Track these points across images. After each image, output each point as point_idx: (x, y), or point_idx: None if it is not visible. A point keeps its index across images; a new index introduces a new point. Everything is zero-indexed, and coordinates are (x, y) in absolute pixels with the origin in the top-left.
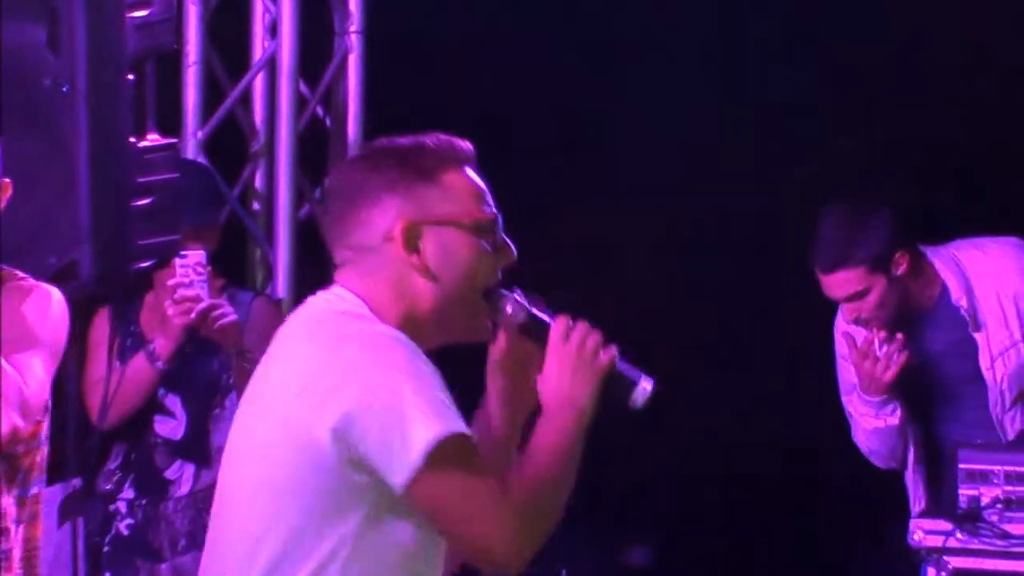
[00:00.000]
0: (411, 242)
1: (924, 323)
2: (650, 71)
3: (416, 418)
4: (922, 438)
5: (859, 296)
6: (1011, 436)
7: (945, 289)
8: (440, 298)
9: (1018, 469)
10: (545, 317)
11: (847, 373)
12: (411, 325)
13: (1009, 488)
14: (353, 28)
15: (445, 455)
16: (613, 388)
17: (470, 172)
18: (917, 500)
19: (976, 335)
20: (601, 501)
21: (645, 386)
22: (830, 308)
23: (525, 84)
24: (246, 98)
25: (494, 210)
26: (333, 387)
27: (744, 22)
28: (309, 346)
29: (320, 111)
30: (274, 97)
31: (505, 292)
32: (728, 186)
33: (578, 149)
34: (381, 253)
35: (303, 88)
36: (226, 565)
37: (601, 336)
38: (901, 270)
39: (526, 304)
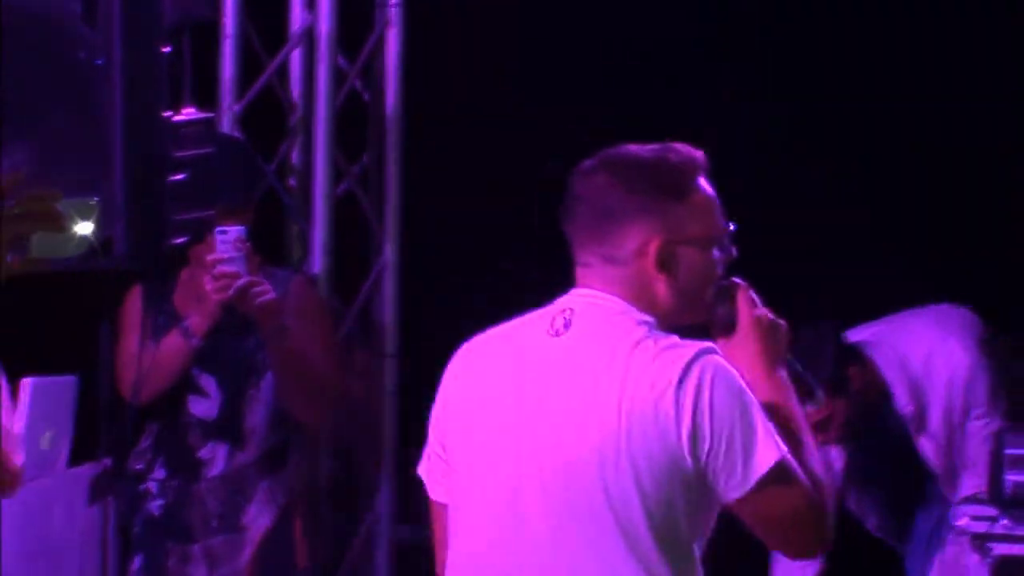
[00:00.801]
0: (663, 261)
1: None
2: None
3: (759, 442)
4: None
5: (823, 427)
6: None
7: (890, 395)
8: (678, 302)
9: None
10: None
11: None
12: (671, 329)
13: None
14: (393, 1)
15: (774, 478)
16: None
17: (706, 184)
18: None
19: (921, 437)
20: None
21: (820, 395)
22: None
23: (563, 61)
24: (283, 72)
25: (724, 220)
26: (691, 403)
27: None
28: (646, 359)
29: (358, 85)
30: (312, 71)
31: (728, 283)
32: None
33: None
34: (631, 265)
35: (341, 62)
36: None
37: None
38: (857, 385)
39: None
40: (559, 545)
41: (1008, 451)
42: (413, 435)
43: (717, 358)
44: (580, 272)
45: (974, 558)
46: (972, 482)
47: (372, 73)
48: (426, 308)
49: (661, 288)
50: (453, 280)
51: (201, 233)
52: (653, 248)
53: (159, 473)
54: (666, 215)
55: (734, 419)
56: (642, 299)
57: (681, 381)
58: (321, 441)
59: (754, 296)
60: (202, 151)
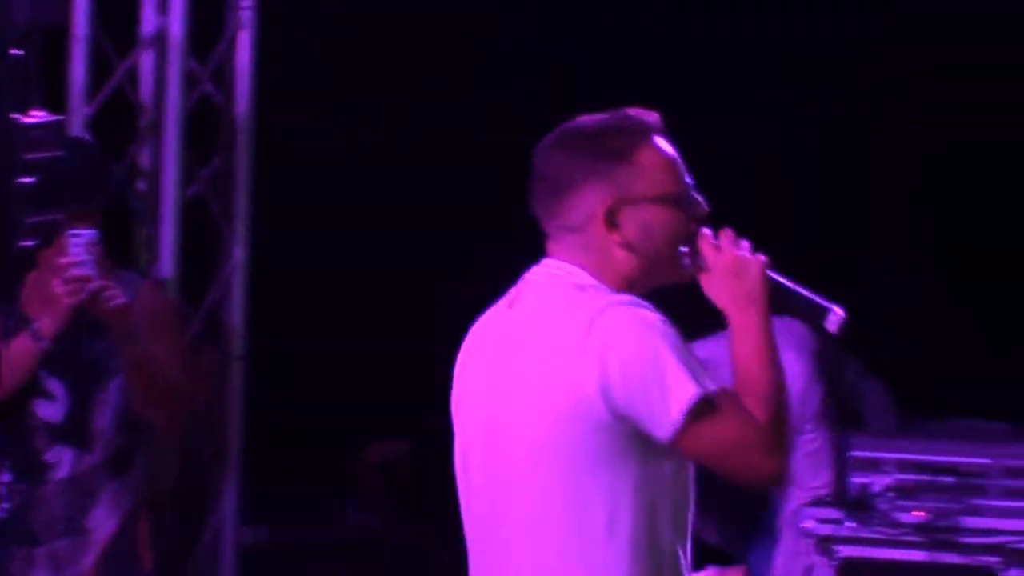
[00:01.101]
0: (611, 222)
1: None
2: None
3: (675, 381)
4: None
5: None
6: None
7: None
8: (641, 264)
9: (910, 456)
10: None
11: None
12: (624, 286)
13: (901, 476)
14: (246, 4)
15: (701, 412)
16: (799, 311)
17: (659, 143)
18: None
19: None
20: None
21: (837, 312)
22: None
23: (415, 63)
24: (134, 75)
25: (684, 178)
26: (598, 353)
27: None
28: (565, 319)
29: (210, 88)
30: (163, 74)
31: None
32: None
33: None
34: (587, 231)
35: (193, 65)
36: (518, 539)
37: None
38: None
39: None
40: (508, 520)
41: (853, 453)
42: (261, 437)
43: (626, 308)
44: (547, 245)
45: (820, 560)
46: (799, 495)
47: (224, 76)
48: (275, 311)
49: (617, 250)
50: (302, 284)
51: (50, 236)
52: (601, 211)
53: (5, 477)
54: (613, 178)
55: (644, 363)
56: (601, 264)
57: (588, 335)
58: (168, 444)
59: (721, 239)
60: (52, 154)
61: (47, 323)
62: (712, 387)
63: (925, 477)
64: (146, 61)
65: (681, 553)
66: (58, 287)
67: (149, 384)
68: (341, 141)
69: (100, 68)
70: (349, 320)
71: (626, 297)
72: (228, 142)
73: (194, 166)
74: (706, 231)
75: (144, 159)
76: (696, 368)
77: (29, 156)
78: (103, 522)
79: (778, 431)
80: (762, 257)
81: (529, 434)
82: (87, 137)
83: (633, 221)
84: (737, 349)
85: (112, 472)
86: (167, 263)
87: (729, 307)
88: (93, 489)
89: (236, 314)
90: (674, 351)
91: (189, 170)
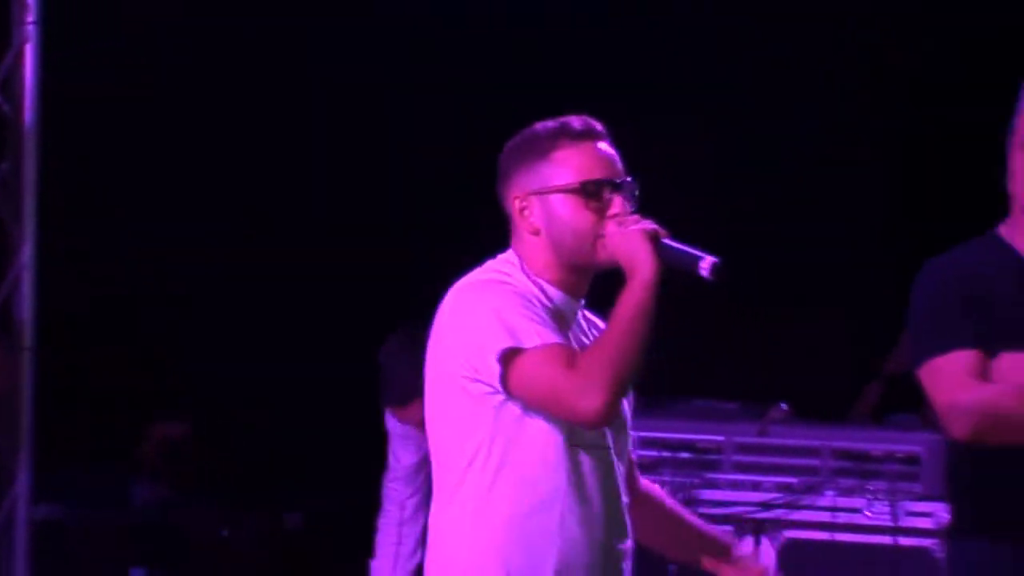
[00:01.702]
0: (524, 211)
1: None
2: None
3: (493, 339)
4: None
5: None
6: None
7: None
8: (550, 248)
9: (650, 435)
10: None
11: None
12: (541, 268)
13: (642, 452)
14: (30, 19)
15: (515, 363)
16: (681, 265)
17: (584, 146)
18: None
19: None
20: None
21: (710, 259)
22: None
23: (199, 75)
24: None
25: (602, 175)
26: (456, 322)
27: None
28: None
29: None
30: None
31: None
32: None
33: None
34: (514, 221)
35: None
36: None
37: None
38: None
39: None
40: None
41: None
42: (52, 423)
43: (470, 281)
44: None
45: None
46: None
47: (11, 87)
48: (62, 306)
49: (529, 238)
50: (89, 279)
51: None
52: (517, 202)
53: None
54: (531, 173)
55: (473, 326)
56: (523, 250)
57: (443, 307)
58: None
59: (624, 221)
60: None
61: None
62: (531, 343)
63: (665, 453)
64: None
65: (549, 479)
66: None
67: None
68: (122, 146)
69: None
70: (130, 320)
71: (485, 271)
72: (15, 148)
73: None
74: (612, 218)
75: None
76: (524, 327)
77: None
78: None
79: (601, 376)
80: (651, 225)
81: (428, 392)
82: None
83: (541, 210)
84: (616, 305)
85: None
86: None
87: (627, 274)
88: None
89: (25, 308)
90: (499, 314)
91: None
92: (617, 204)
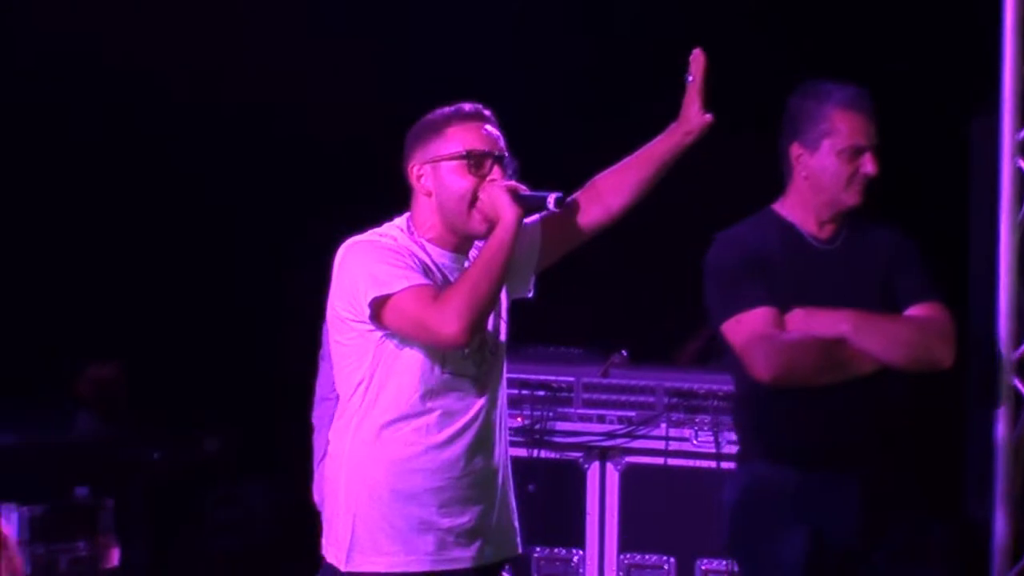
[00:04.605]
0: (418, 178)
1: None
2: None
3: (367, 284)
4: None
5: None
6: None
7: None
8: (437, 213)
9: (512, 376)
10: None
11: None
12: (428, 227)
13: (507, 391)
14: None
15: (384, 302)
16: (535, 205)
17: (471, 124)
18: None
19: None
20: None
21: (554, 195)
22: None
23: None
24: None
25: (479, 146)
26: (340, 274)
27: None
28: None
29: None
30: None
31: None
32: None
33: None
34: (413, 187)
35: None
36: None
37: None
38: None
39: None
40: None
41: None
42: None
43: (354, 239)
44: None
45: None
46: None
47: None
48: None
49: (423, 200)
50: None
51: None
52: (415, 170)
53: None
54: (428, 146)
55: (349, 276)
56: (415, 214)
57: (334, 261)
58: None
59: (494, 180)
60: None
61: None
62: (400, 286)
63: (525, 392)
64: None
65: (418, 398)
66: None
67: None
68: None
69: None
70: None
71: (368, 233)
72: None
73: None
74: (490, 183)
75: None
76: (392, 273)
77: None
78: None
79: (459, 305)
80: (512, 183)
81: (327, 332)
82: None
83: (433, 176)
84: (483, 247)
85: None
86: None
87: (495, 221)
88: None
89: None
90: (370, 266)
91: None
92: (495, 173)
